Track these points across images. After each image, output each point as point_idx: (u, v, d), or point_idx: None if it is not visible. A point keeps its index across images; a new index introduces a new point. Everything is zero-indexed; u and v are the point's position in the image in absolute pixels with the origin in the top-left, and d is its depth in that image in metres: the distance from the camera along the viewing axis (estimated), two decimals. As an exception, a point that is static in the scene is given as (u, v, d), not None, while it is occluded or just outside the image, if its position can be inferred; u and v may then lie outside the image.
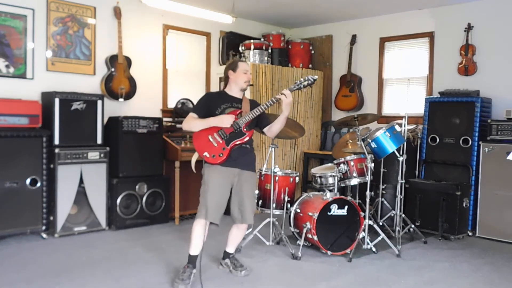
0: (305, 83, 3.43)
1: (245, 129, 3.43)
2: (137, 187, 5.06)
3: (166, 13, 5.84)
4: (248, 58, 6.13)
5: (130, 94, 5.44)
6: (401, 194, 4.66)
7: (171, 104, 5.95)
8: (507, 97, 5.25)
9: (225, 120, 3.37)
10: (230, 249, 3.69)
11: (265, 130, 3.62)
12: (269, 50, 6.32)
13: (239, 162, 3.46)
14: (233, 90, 3.54)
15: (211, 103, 3.47)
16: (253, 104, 3.57)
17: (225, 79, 3.59)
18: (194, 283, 3.29)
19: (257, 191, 4.50)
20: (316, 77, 3.46)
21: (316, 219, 4.06)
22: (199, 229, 3.36)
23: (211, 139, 3.38)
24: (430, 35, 5.94)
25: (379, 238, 4.27)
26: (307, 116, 6.66)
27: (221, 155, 3.37)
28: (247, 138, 3.43)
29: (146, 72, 5.75)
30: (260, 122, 3.60)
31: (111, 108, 5.28)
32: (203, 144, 3.39)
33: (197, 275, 3.28)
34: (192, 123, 3.43)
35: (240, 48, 6.23)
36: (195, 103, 3.82)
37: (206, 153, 3.37)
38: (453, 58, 5.69)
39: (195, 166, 3.99)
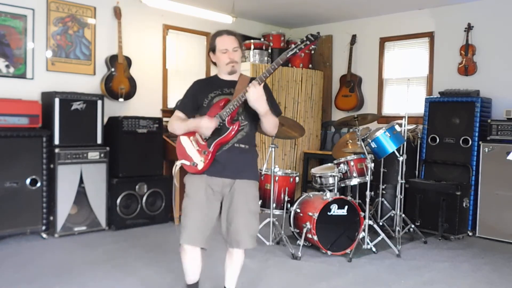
0: (302, 45, 2.51)
1: (231, 123, 2.63)
2: (137, 187, 5.06)
3: (166, 13, 5.84)
4: (248, 58, 6.14)
5: (130, 94, 5.44)
6: (401, 194, 4.66)
7: (171, 104, 5.95)
8: (507, 97, 5.25)
9: (203, 125, 2.61)
10: (229, 283, 2.89)
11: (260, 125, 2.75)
12: (269, 50, 6.33)
13: (230, 169, 2.67)
14: (223, 75, 2.80)
15: (199, 93, 2.77)
16: None
17: (212, 62, 2.87)
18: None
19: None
20: (316, 33, 2.54)
21: (316, 219, 4.06)
22: (187, 258, 2.73)
23: (192, 141, 2.70)
24: (430, 35, 5.94)
25: (379, 238, 4.27)
26: (307, 116, 6.66)
27: (202, 161, 2.65)
28: (232, 133, 2.62)
29: (146, 72, 5.74)
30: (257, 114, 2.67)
31: (111, 108, 5.28)
32: (183, 149, 2.73)
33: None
34: (175, 125, 2.76)
35: (240, 48, 6.23)
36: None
37: (184, 161, 2.68)
38: (453, 58, 5.69)
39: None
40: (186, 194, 2.71)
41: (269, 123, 2.66)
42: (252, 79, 2.69)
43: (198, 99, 2.76)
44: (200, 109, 2.77)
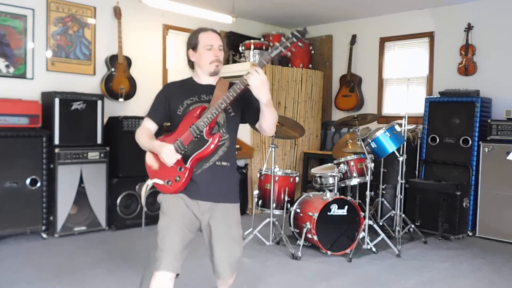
0: (288, 42, 2.14)
1: (209, 134, 2.28)
2: (137, 187, 5.06)
3: (166, 13, 5.84)
4: (248, 58, 6.13)
5: (130, 94, 5.44)
6: (401, 194, 4.66)
7: (171, 104, 5.95)
8: (507, 97, 5.25)
9: (163, 155, 2.28)
10: None
11: (257, 126, 2.39)
12: (269, 50, 6.31)
13: (212, 191, 2.33)
14: (201, 77, 2.41)
15: (173, 99, 2.40)
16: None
17: (188, 62, 2.47)
18: None
19: (257, 191, 4.50)
20: (303, 30, 2.12)
21: (316, 219, 4.06)
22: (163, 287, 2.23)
23: None
24: (430, 35, 5.93)
25: (379, 238, 4.27)
26: (307, 116, 6.66)
27: (177, 179, 2.30)
28: (212, 146, 2.26)
29: (146, 72, 5.74)
30: (248, 115, 2.40)
31: (111, 108, 5.28)
32: (155, 165, 2.42)
33: None
34: (141, 139, 2.45)
35: (240, 48, 6.23)
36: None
37: (156, 179, 2.36)
38: (453, 58, 5.69)
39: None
40: (162, 213, 2.35)
41: (271, 116, 2.26)
42: (232, 83, 2.29)
43: (171, 105, 2.40)
44: (174, 117, 2.42)
